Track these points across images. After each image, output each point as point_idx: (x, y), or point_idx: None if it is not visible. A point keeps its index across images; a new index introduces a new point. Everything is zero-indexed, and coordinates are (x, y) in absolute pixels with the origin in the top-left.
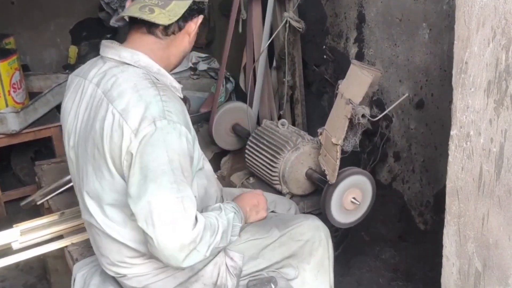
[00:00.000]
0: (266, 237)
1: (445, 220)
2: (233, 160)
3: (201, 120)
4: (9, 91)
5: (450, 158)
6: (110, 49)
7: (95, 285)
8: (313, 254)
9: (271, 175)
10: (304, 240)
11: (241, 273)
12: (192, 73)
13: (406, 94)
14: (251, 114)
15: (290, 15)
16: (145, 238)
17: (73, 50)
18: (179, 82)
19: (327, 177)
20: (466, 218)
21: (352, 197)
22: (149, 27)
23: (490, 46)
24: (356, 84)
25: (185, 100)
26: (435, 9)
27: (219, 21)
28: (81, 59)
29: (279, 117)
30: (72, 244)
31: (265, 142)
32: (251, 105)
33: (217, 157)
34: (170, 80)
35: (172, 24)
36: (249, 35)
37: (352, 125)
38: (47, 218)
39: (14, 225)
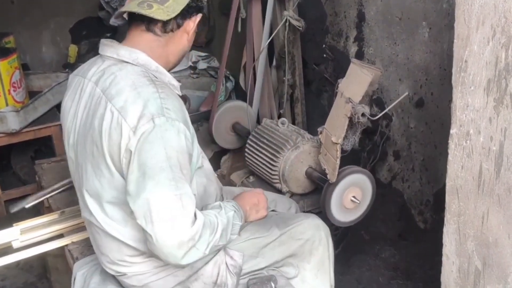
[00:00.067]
0: (266, 236)
1: (445, 219)
2: (233, 159)
3: (201, 119)
4: (9, 90)
5: (450, 157)
6: (108, 48)
7: (95, 284)
8: (313, 253)
9: (271, 174)
10: (304, 239)
11: (241, 271)
12: (192, 72)
13: (406, 93)
14: (251, 113)
15: (290, 13)
16: (144, 236)
17: (73, 49)
18: (179, 80)
19: (328, 176)
20: (466, 217)
21: (352, 195)
22: (148, 24)
23: (490, 45)
24: (356, 83)
25: (185, 99)
26: (435, 8)
27: (219, 20)
28: (81, 58)
29: (279, 116)
30: (72, 243)
31: (265, 141)
32: (251, 104)
33: (217, 156)
34: (169, 78)
35: (170, 21)
36: (249, 34)
37: (352, 124)
38: (47, 217)
39: (14, 224)
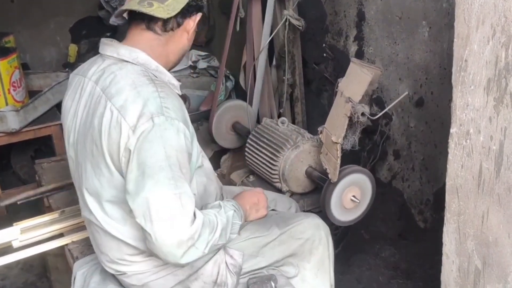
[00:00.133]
0: (266, 235)
1: (445, 218)
2: (233, 159)
3: (201, 119)
4: (9, 90)
5: (449, 156)
6: (108, 47)
7: (96, 283)
8: (313, 253)
9: (271, 173)
10: (304, 238)
11: (241, 271)
12: (192, 71)
13: (406, 92)
14: (251, 112)
15: (290, 13)
16: (143, 235)
17: (73, 49)
18: (179, 80)
19: (329, 175)
20: (465, 216)
21: (352, 195)
22: (148, 22)
23: (490, 44)
24: (355, 82)
25: (184, 98)
26: (435, 7)
27: (219, 19)
28: (81, 58)
29: (279, 116)
30: (73, 242)
31: (265, 140)
32: (251, 103)
33: (217, 155)
34: (169, 77)
35: (170, 19)
36: (249, 33)
37: (351, 123)
38: (48, 216)
39: (14, 224)
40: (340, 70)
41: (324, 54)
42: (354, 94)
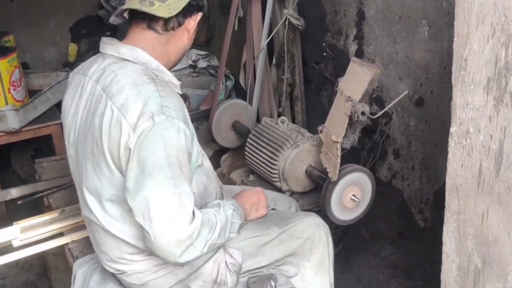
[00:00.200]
0: (266, 235)
1: (445, 217)
2: (233, 158)
3: (201, 118)
4: (8, 89)
5: (449, 155)
6: (109, 46)
7: (95, 283)
8: (313, 252)
9: (271, 172)
10: (304, 237)
11: (240, 270)
12: (191, 70)
13: (406, 92)
14: (251, 112)
15: (290, 12)
16: (143, 233)
17: (72, 48)
18: (179, 79)
19: (329, 174)
20: (465, 215)
21: (352, 194)
22: (149, 22)
23: (490, 43)
24: (355, 81)
25: (184, 97)
26: (435, 6)
27: (219, 19)
28: (81, 57)
29: (279, 115)
30: (72, 241)
31: (265, 139)
32: (250, 102)
33: (217, 154)
34: (169, 76)
35: (171, 19)
36: (249, 32)
37: (351, 122)
38: (47, 216)
39: (14, 223)
40: (340, 69)
41: (324, 53)
42: (354, 93)
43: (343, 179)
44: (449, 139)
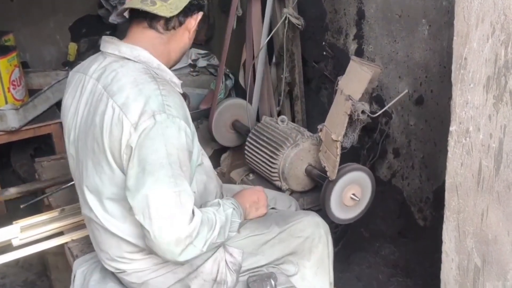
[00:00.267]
0: (266, 233)
1: (445, 216)
2: (233, 157)
3: (201, 117)
4: (8, 88)
5: (449, 154)
6: (110, 45)
7: (95, 282)
8: (313, 251)
9: (270, 171)
10: (304, 236)
11: (240, 269)
12: (191, 69)
13: (406, 91)
14: (250, 111)
15: (290, 11)
16: (142, 232)
17: (72, 47)
18: (179, 78)
19: (328, 173)
20: (465, 214)
21: (352, 193)
22: (150, 21)
23: (489, 42)
24: (355, 80)
25: (184, 96)
26: (435, 5)
27: (219, 18)
28: (81, 56)
29: (279, 114)
30: (72, 240)
31: (264, 138)
32: (250, 101)
33: (216, 153)
34: (170, 75)
35: (172, 18)
36: (249, 31)
37: (351, 121)
38: (47, 215)
39: (14, 222)
40: (340, 68)
41: (324, 53)
42: (354, 92)
43: (343, 178)
44: (449, 138)
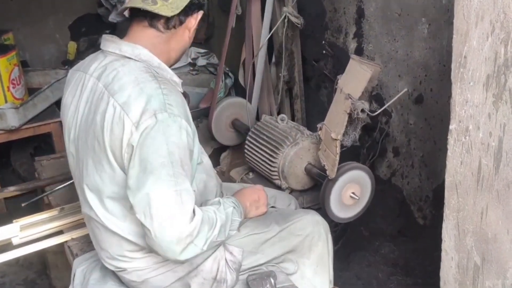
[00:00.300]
0: (266, 232)
1: (444, 214)
2: (233, 156)
3: (201, 116)
4: (8, 87)
5: (449, 153)
6: (110, 43)
7: (95, 280)
8: (312, 249)
9: (270, 170)
10: (303, 235)
11: (240, 267)
12: (191, 68)
13: (405, 89)
14: (250, 110)
15: (289, 10)
16: (143, 230)
17: (72, 46)
18: (178, 77)
19: (327, 172)
20: (465, 212)
21: (351, 192)
22: (151, 20)
23: (489, 40)
24: (355, 79)
25: (185, 95)
26: (434, 4)
27: (218, 17)
28: (80, 55)
29: (279, 113)
30: (72, 239)
31: (264, 137)
32: (250, 100)
33: (216, 152)
34: (171, 74)
35: (173, 17)
36: (248, 30)
37: (351, 120)
38: (47, 214)
39: (14, 221)
40: (340, 67)
41: (324, 51)
42: (354, 91)
43: (343, 176)
44: (449, 137)
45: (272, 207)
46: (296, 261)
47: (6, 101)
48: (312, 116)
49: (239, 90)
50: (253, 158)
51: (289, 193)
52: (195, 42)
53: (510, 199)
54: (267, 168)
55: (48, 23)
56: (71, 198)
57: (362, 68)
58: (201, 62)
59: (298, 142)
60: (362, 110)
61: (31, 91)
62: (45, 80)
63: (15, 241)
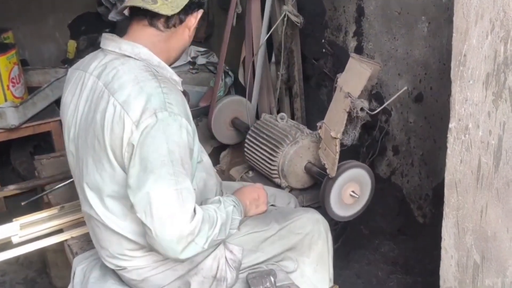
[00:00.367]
0: (266, 230)
1: (444, 213)
2: (232, 154)
3: (200, 114)
4: (8, 86)
5: (448, 151)
6: (110, 42)
7: (95, 279)
8: (312, 248)
9: (270, 169)
10: (303, 233)
11: (240, 266)
12: (191, 67)
13: (405, 88)
14: (250, 108)
15: (289, 8)
16: (144, 229)
17: (71, 45)
18: (178, 76)
19: (327, 170)
20: (464, 211)
21: (351, 190)
22: (151, 19)
23: (489, 39)
24: (355, 77)
25: (184, 94)
26: (434, 2)
27: (218, 15)
28: (80, 54)
29: (278, 111)
30: (72, 238)
31: (264, 136)
32: (250, 99)
33: (216, 151)
34: (170, 73)
35: (173, 16)
36: (248, 29)
37: (351, 118)
38: (47, 212)
39: (14, 219)
40: (340, 65)
41: (324, 50)
42: (354, 89)
43: (342, 175)
44: (448, 135)
45: (272, 205)
46: (296, 260)
47: (5, 100)
48: (312, 114)
49: (239, 88)
50: (253, 157)
51: (289, 191)
52: (195, 41)
53: (509, 197)
54: (267, 166)
55: (48, 21)
56: (71, 197)
57: (362, 67)
58: (201, 60)
59: (298, 141)
60: (362, 109)
61: (31, 90)
62: (45, 78)
63: (15, 240)
